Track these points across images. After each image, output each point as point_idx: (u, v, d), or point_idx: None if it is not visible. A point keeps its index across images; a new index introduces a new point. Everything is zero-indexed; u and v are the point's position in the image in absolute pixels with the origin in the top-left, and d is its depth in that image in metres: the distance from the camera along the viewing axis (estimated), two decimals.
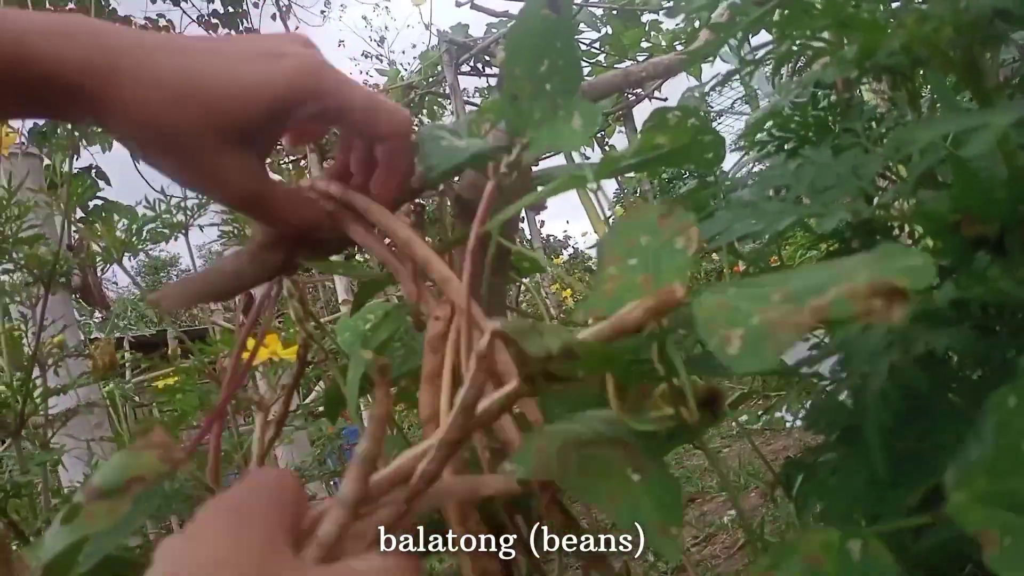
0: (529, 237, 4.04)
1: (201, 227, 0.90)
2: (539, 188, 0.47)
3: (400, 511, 0.27)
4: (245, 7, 4.33)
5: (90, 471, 0.87)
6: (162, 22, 4.09)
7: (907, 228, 0.50)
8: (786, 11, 0.39)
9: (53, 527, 0.32)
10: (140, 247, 0.88)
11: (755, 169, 0.63)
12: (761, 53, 0.46)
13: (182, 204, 0.88)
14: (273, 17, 4.71)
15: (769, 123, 0.56)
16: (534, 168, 0.52)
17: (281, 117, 0.38)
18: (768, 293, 0.25)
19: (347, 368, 0.55)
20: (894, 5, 0.38)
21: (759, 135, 0.56)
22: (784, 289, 0.25)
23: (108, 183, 3.26)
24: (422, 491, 0.27)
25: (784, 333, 0.22)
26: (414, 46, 6.25)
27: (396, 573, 0.25)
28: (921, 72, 0.43)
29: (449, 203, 0.56)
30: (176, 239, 0.90)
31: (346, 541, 0.25)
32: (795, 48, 0.42)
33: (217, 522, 0.23)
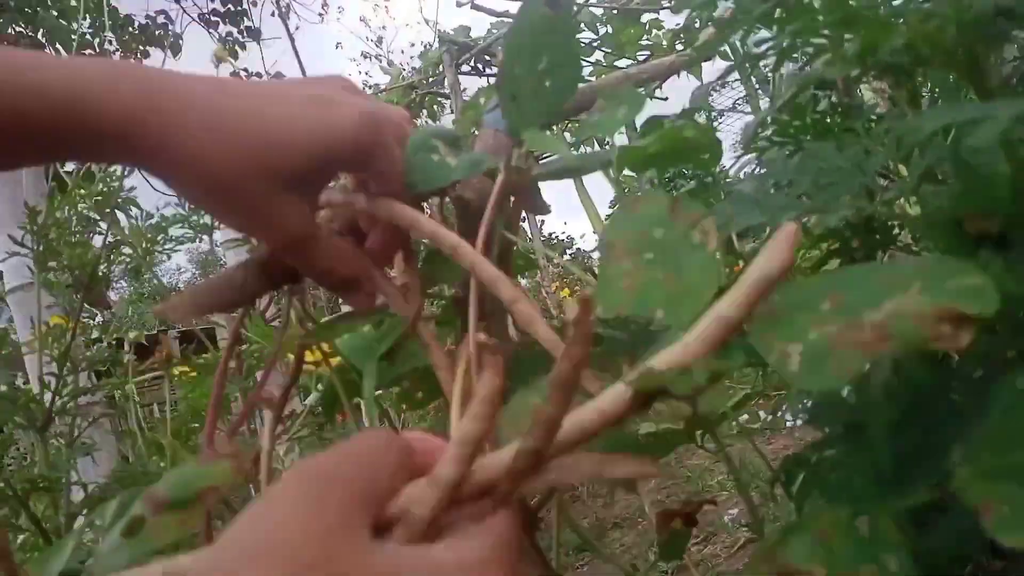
0: (530, 237, 4.04)
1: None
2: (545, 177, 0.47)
3: (504, 493, 0.24)
4: (245, 5, 4.34)
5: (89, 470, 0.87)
6: (161, 19, 4.09)
7: (907, 226, 0.49)
8: (787, 8, 0.38)
9: (111, 541, 0.31)
10: (166, 248, 0.89)
11: (756, 171, 0.63)
12: (763, 46, 0.46)
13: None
14: (272, 14, 4.71)
15: (768, 130, 0.55)
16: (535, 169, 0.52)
17: (334, 166, 0.38)
18: (816, 301, 0.25)
19: (345, 369, 0.55)
20: (896, 3, 0.37)
21: (759, 141, 0.56)
22: (833, 297, 0.25)
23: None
24: (531, 471, 0.24)
25: (848, 353, 0.22)
26: (412, 45, 6.26)
27: (484, 567, 0.23)
28: (922, 71, 0.43)
29: (450, 202, 0.56)
30: (202, 240, 0.90)
31: (439, 525, 0.23)
32: (796, 45, 0.42)
33: (296, 490, 0.23)
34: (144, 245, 0.88)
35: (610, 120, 0.38)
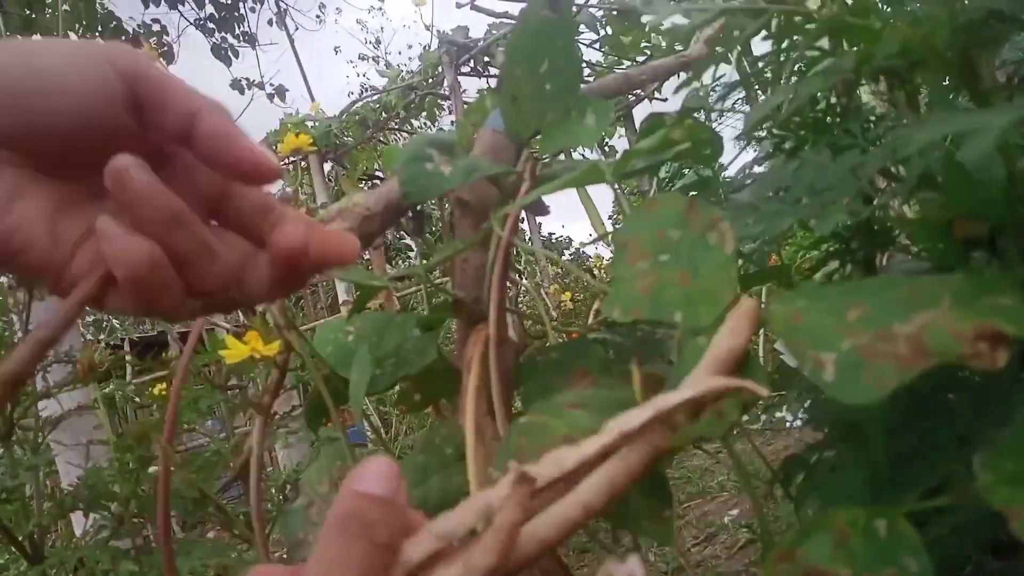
0: (530, 237, 4.04)
1: None
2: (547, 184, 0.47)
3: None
4: (242, 11, 4.34)
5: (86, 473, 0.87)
6: (156, 27, 4.09)
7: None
8: (783, 20, 0.39)
9: None
10: None
11: (755, 170, 0.63)
12: (763, 54, 0.46)
13: None
14: (270, 22, 4.71)
15: (768, 123, 0.56)
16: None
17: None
18: (842, 308, 0.25)
19: (328, 378, 0.54)
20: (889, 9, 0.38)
21: (758, 133, 0.56)
22: (860, 307, 0.25)
23: None
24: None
25: (883, 365, 0.22)
26: (410, 47, 6.25)
27: None
28: (919, 74, 0.43)
29: (448, 204, 0.56)
30: None
31: None
32: (793, 57, 0.42)
33: None
34: None
35: (581, 130, 0.38)
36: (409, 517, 0.24)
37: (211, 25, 4.31)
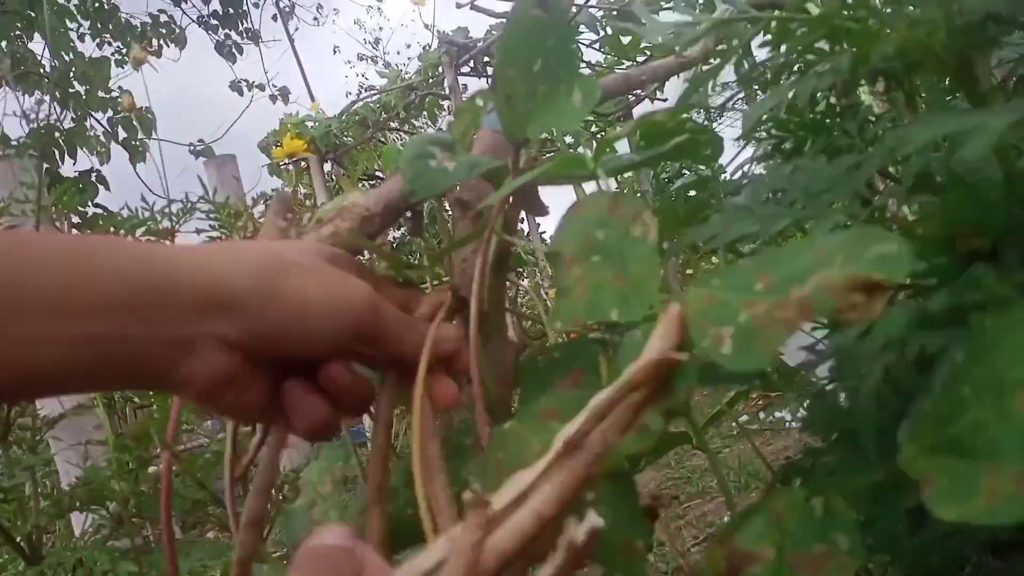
0: (529, 238, 4.04)
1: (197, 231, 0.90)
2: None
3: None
4: (245, 8, 4.34)
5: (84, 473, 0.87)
6: (164, 18, 4.09)
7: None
8: (778, 25, 0.39)
9: None
10: None
11: (753, 170, 0.63)
12: (762, 60, 0.46)
13: (167, 210, 0.88)
14: (274, 18, 4.71)
15: (767, 123, 0.56)
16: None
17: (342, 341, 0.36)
18: (751, 281, 0.25)
19: None
20: (888, 10, 0.38)
21: (757, 133, 0.56)
22: (767, 276, 0.25)
23: (107, 188, 3.27)
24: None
25: (772, 330, 0.22)
26: (408, 46, 6.25)
27: None
28: (917, 76, 0.43)
29: (447, 203, 0.56)
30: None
31: None
32: (791, 61, 0.42)
33: None
34: None
35: (568, 109, 0.37)
36: (375, 566, 0.25)
37: (214, 22, 4.31)
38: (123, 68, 3.78)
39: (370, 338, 0.37)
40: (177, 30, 4.08)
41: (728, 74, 0.54)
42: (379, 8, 10.89)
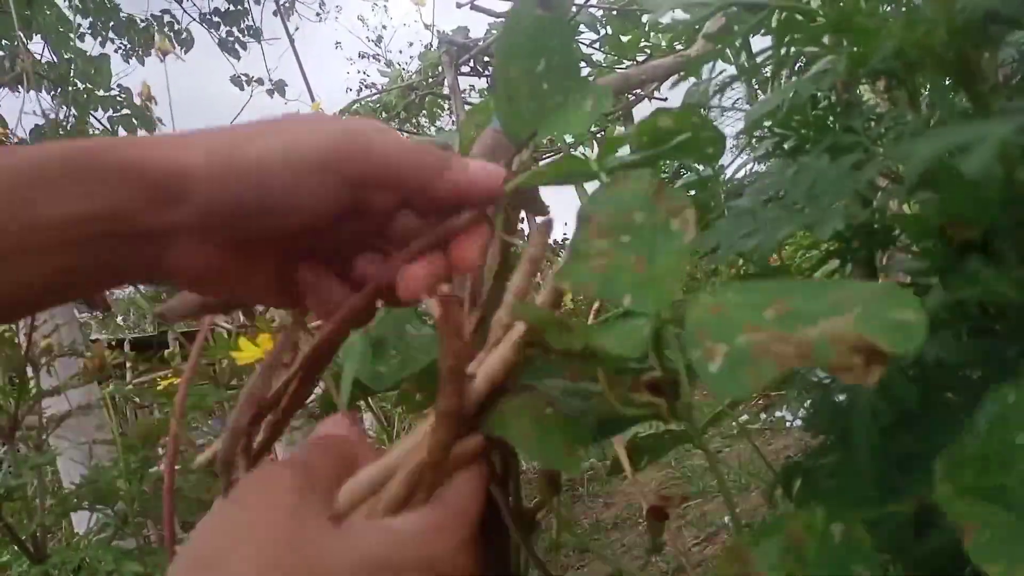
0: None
1: None
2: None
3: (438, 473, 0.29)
4: (247, 4, 4.33)
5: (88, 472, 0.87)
6: (167, 18, 4.09)
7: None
8: (783, 16, 0.39)
9: None
10: None
11: (754, 169, 0.63)
12: (761, 56, 0.46)
13: None
14: (274, 13, 4.71)
15: (769, 121, 0.56)
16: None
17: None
18: (765, 305, 0.24)
19: (337, 376, 0.55)
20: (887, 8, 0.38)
21: (759, 132, 0.56)
22: (781, 305, 0.24)
23: None
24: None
25: (766, 362, 0.22)
26: (411, 44, 6.24)
27: (439, 532, 0.27)
28: (918, 75, 0.43)
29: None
30: None
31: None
32: (792, 53, 0.42)
33: (255, 490, 0.27)
34: None
35: (576, 115, 0.37)
36: (366, 448, 0.32)
37: (216, 19, 4.30)
38: (128, 64, 3.79)
39: (371, 180, 0.31)
40: (184, 33, 4.08)
41: (730, 72, 0.54)
42: (384, 6, 10.86)
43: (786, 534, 0.27)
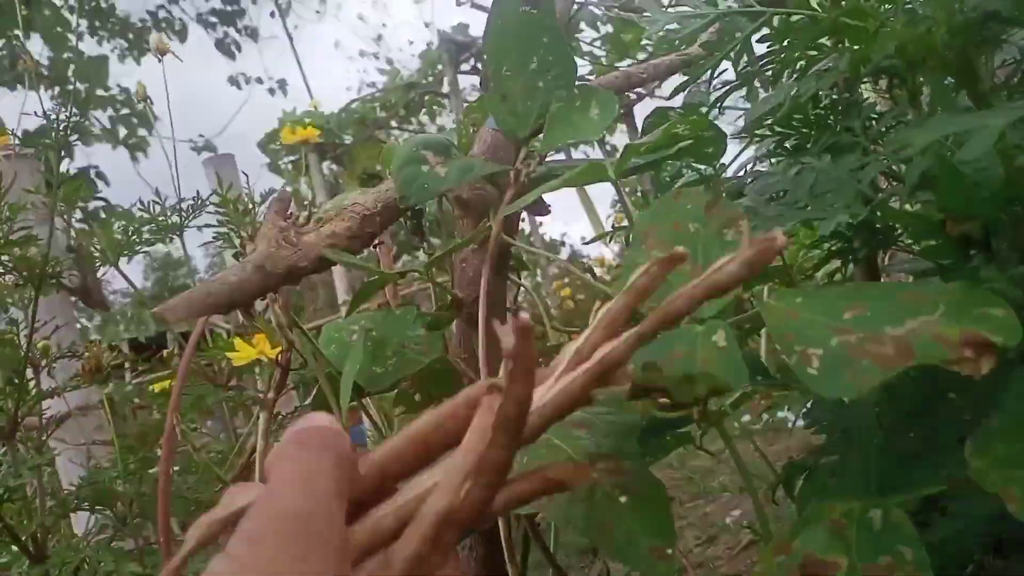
0: (531, 239, 4.04)
1: (199, 228, 0.89)
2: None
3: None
4: (244, 4, 4.34)
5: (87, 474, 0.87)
6: (161, 14, 4.09)
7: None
8: (786, 19, 0.38)
9: None
10: (137, 250, 0.88)
11: (755, 167, 0.63)
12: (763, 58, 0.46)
13: (178, 207, 0.87)
14: (272, 14, 4.71)
15: (770, 119, 0.55)
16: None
17: None
18: (839, 308, 0.25)
19: (334, 377, 0.54)
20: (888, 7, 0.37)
21: (760, 130, 0.56)
22: (856, 307, 0.25)
23: (107, 183, 3.28)
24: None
25: (867, 363, 0.23)
26: (411, 43, 6.23)
27: None
28: (919, 74, 0.43)
29: (450, 203, 0.55)
30: (171, 240, 0.90)
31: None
32: (793, 57, 0.42)
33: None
34: (111, 244, 0.86)
35: (585, 122, 0.38)
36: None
37: (212, 19, 4.31)
38: (123, 64, 3.79)
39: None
40: (178, 24, 4.08)
41: (728, 74, 0.54)
42: (384, 3, 10.85)
43: (827, 522, 0.28)
